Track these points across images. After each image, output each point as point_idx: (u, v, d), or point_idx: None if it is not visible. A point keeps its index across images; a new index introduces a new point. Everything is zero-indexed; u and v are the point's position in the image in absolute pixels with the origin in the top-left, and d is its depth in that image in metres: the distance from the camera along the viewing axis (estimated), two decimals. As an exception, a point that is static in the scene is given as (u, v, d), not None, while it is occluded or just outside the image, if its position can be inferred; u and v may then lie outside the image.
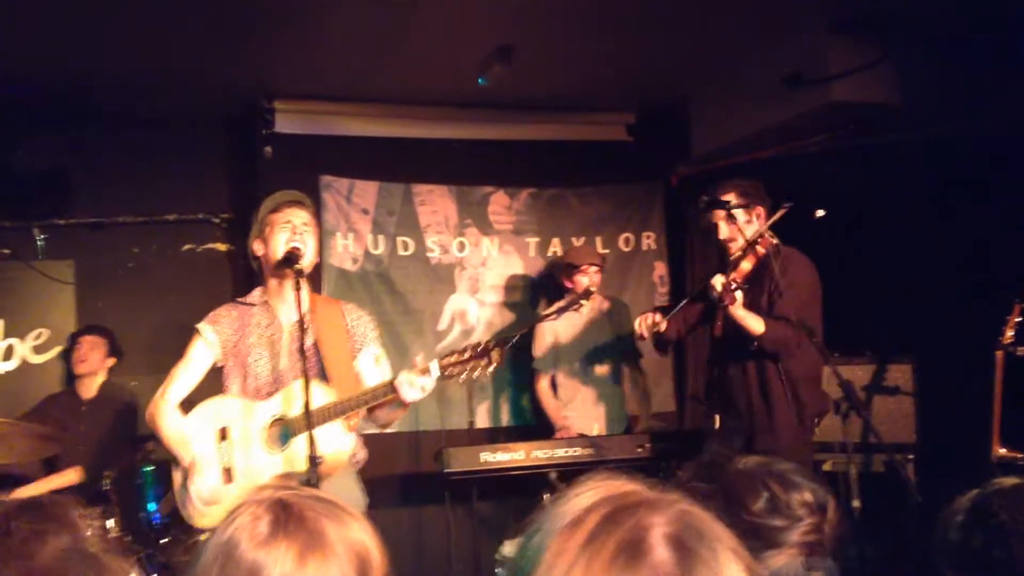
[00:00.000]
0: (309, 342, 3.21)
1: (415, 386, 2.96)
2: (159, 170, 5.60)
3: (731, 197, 3.86)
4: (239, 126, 5.66)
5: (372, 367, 3.34)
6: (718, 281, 3.61)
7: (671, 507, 0.88)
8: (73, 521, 0.99)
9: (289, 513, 1.18)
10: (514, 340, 3.51)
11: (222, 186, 5.80)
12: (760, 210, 3.91)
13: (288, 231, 3.23)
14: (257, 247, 3.32)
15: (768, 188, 3.99)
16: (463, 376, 2.99)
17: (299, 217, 3.26)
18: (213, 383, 3.37)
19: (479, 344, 3.01)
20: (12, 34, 4.28)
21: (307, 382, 2.93)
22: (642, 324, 3.89)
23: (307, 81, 5.26)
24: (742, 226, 3.83)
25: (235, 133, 5.74)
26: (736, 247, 3.83)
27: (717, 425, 3.82)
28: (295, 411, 3.09)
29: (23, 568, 0.90)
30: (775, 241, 3.75)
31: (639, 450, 4.51)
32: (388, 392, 3.00)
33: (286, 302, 3.29)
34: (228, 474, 3.15)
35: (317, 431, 2.95)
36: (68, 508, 1.01)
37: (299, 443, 3.03)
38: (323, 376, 3.20)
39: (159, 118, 5.45)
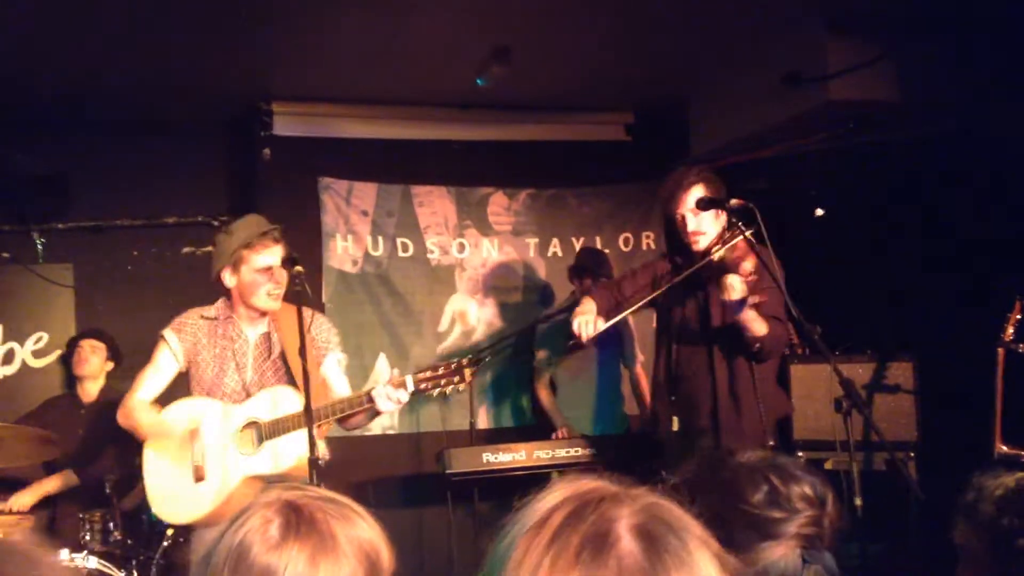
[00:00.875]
0: (276, 353, 3.35)
1: (392, 398, 3.10)
2: (158, 173, 5.60)
3: (702, 190, 3.60)
4: (238, 129, 5.66)
5: (338, 372, 3.47)
6: (738, 282, 3.30)
7: (636, 500, 0.87)
8: None
9: (300, 515, 1.19)
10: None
11: (221, 189, 5.80)
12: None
13: (267, 281, 3.28)
14: (227, 279, 3.33)
15: (768, 187, 3.96)
16: (436, 391, 3.16)
17: (277, 257, 3.28)
18: (180, 386, 3.46)
19: (452, 362, 3.16)
20: (11, 38, 4.28)
21: (307, 388, 2.93)
22: (583, 328, 3.49)
23: (305, 83, 5.27)
24: (711, 221, 3.59)
25: (234, 136, 5.74)
26: (705, 242, 3.58)
27: (675, 427, 3.63)
28: (267, 415, 3.20)
29: None
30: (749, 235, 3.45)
31: (635, 451, 4.51)
32: (365, 402, 3.14)
33: (251, 319, 3.39)
34: (198, 472, 3.20)
35: (289, 436, 3.12)
36: None
37: (270, 446, 3.18)
38: (291, 383, 3.29)
39: (158, 121, 5.45)
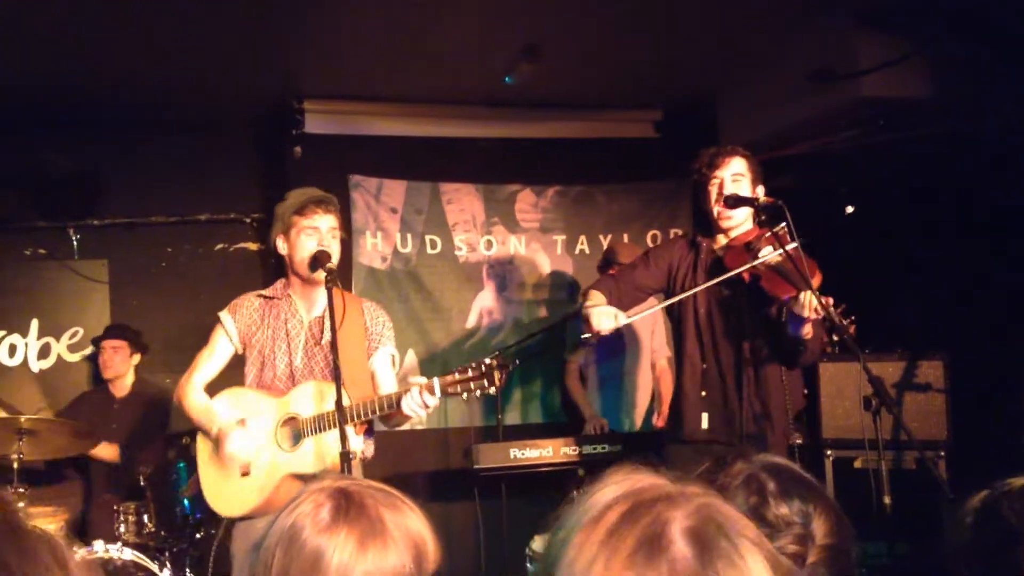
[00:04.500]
0: (326, 339, 3.23)
1: (419, 403, 2.99)
2: (191, 171, 5.68)
3: (743, 164, 3.44)
4: (269, 127, 5.72)
5: (387, 367, 3.37)
6: (815, 302, 3.08)
7: (691, 501, 0.88)
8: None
9: (350, 501, 1.22)
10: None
11: (253, 186, 5.87)
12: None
13: (314, 238, 3.22)
14: (280, 245, 3.31)
15: (797, 184, 3.89)
16: (465, 395, 3.02)
17: (326, 223, 3.24)
18: (236, 371, 3.43)
19: (481, 364, 3.00)
20: (47, 37, 4.35)
21: (338, 379, 2.92)
22: (601, 322, 3.32)
23: (336, 81, 5.31)
24: (744, 211, 3.41)
25: (265, 134, 5.80)
26: (731, 225, 3.44)
27: (705, 425, 3.46)
28: (306, 411, 3.13)
29: None
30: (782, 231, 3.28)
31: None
32: (392, 405, 3.04)
33: (307, 298, 3.32)
34: (244, 467, 3.18)
35: (328, 434, 3.03)
36: None
37: (308, 444, 3.11)
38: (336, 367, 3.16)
39: (191, 120, 5.52)
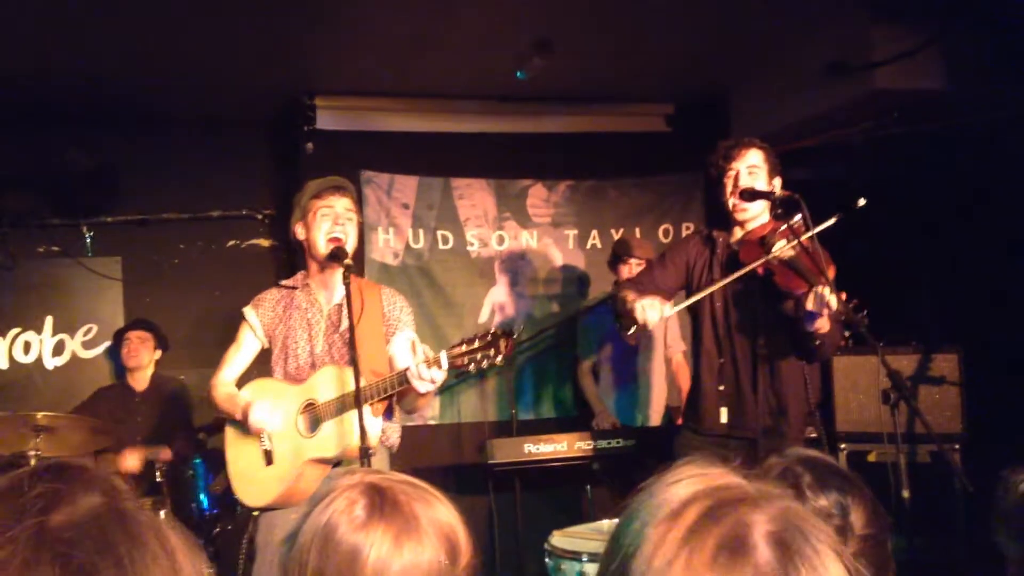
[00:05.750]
0: (344, 326, 3.24)
1: (425, 378, 2.89)
2: (204, 168, 5.69)
3: (760, 156, 3.40)
4: (281, 123, 5.73)
5: (406, 351, 3.23)
6: (834, 300, 3.03)
7: (772, 504, 0.86)
8: (106, 481, 0.98)
9: (384, 497, 1.22)
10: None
11: (265, 183, 5.88)
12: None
13: (330, 220, 3.23)
14: (299, 231, 3.34)
15: (810, 177, 3.88)
16: (472, 366, 2.91)
17: (341, 204, 3.27)
18: (265, 367, 3.43)
19: (487, 333, 2.89)
20: (61, 34, 4.36)
21: (357, 373, 2.92)
22: (648, 313, 3.22)
23: (347, 77, 5.31)
24: (760, 204, 3.37)
25: (277, 130, 5.81)
26: (746, 217, 3.42)
27: (724, 419, 3.44)
28: (324, 396, 3.12)
29: (35, 527, 0.87)
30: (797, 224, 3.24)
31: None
32: (402, 382, 2.96)
33: (326, 286, 3.34)
34: (268, 456, 3.20)
35: (345, 416, 3.02)
36: (97, 469, 1.02)
37: (327, 428, 3.09)
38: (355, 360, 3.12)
39: (203, 117, 5.54)
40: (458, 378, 5.69)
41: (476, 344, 2.89)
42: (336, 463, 3.06)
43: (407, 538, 1.19)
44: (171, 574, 0.93)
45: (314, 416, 3.15)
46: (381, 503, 1.21)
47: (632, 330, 3.31)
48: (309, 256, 3.35)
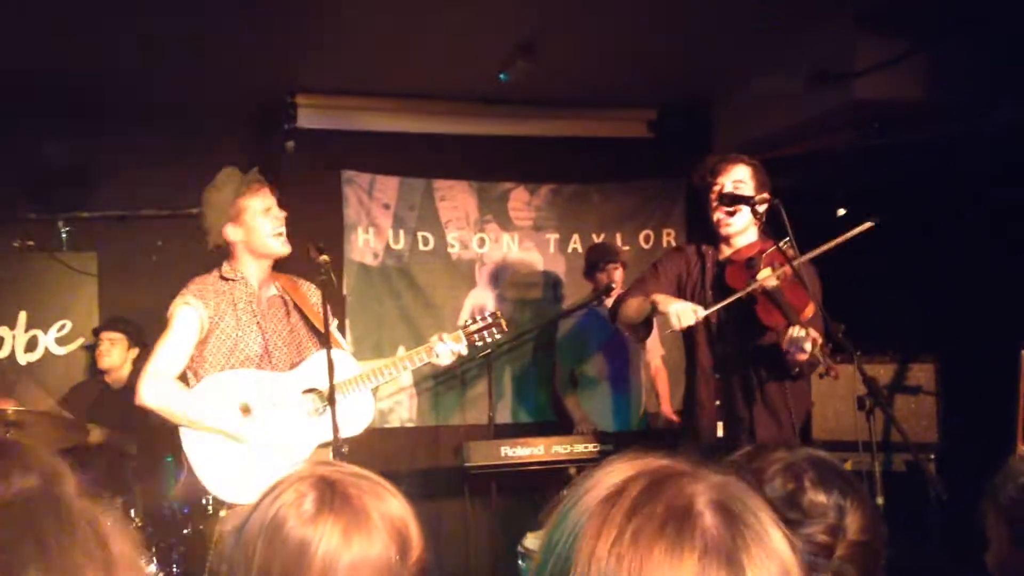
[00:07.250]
0: (296, 316, 3.38)
1: (451, 352, 3.33)
2: (183, 165, 5.60)
3: (746, 171, 3.40)
4: (262, 121, 5.67)
5: (338, 332, 3.59)
6: (808, 345, 3.07)
7: (710, 476, 0.87)
8: (48, 466, 0.96)
9: (334, 490, 1.20)
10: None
11: (245, 180, 5.82)
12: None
13: (274, 220, 3.31)
14: (231, 232, 3.32)
15: (791, 185, 3.89)
16: (482, 342, 3.44)
17: (270, 198, 3.35)
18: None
19: (485, 316, 3.47)
20: (39, 28, 4.32)
21: (331, 375, 2.95)
22: (682, 318, 3.27)
23: (330, 76, 5.29)
24: (745, 216, 3.38)
25: (258, 128, 5.75)
26: (734, 231, 3.42)
27: (721, 433, 3.47)
28: (324, 382, 3.06)
29: None
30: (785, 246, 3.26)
31: (654, 448, 4.50)
32: (426, 358, 3.34)
33: (263, 280, 3.38)
34: (265, 448, 3.16)
35: (348, 403, 3.16)
36: (40, 452, 0.99)
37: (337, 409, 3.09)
38: (319, 345, 3.34)
39: (183, 113, 5.48)
40: (436, 380, 5.67)
41: (482, 323, 3.42)
42: (343, 446, 3.02)
43: (356, 531, 1.17)
44: (101, 565, 0.90)
45: (319, 401, 3.23)
46: (331, 496, 1.19)
47: (667, 331, 3.42)
48: (245, 252, 3.36)
